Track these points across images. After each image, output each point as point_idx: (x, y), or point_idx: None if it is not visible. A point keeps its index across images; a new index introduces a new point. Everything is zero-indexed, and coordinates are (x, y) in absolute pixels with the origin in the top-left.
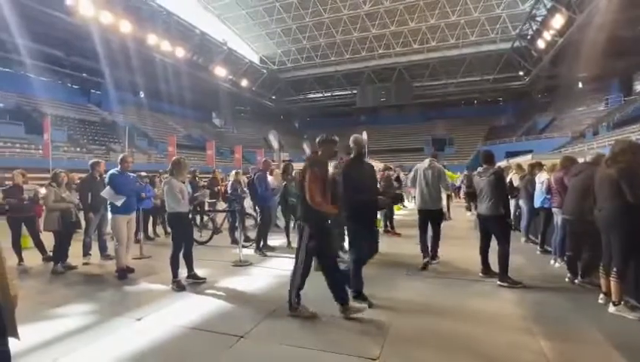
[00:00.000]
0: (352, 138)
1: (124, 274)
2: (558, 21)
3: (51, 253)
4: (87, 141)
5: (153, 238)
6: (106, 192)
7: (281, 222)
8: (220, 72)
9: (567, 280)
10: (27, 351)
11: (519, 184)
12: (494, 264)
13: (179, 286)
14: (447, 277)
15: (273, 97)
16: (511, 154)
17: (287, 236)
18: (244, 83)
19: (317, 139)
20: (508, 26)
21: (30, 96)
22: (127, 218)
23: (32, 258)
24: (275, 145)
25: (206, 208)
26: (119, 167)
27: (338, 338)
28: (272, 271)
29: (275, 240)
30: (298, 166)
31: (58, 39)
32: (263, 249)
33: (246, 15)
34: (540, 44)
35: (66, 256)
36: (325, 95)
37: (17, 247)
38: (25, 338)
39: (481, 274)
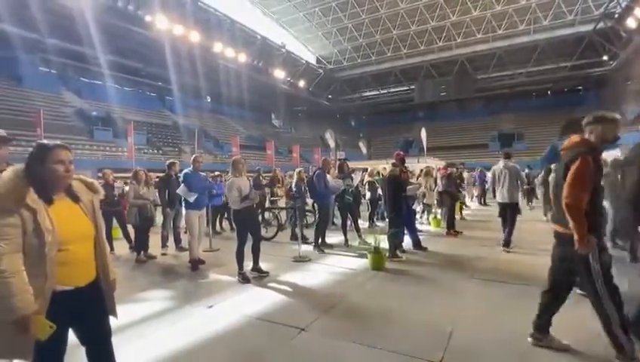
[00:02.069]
0: None
1: (196, 265)
2: None
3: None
4: (162, 143)
5: (220, 233)
6: (181, 189)
7: (338, 220)
8: (279, 74)
9: None
10: (119, 328)
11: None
12: None
13: (244, 278)
14: (519, 283)
15: (329, 97)
16: None
17: (345, 234)
18: (301, 83)
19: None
20: (590, 5)
21: (116, 104)
22: (199, 213)
23: (121, 247)
24: (332, 144)
25: (266, 205)
26: (192, 166)
27: (398, 338)
28: (330, 268)
29: (332, 237)
30: (354, 165)
31: (139, 52)
32: (321, 246)
33: (303, 17)
34: (630, 22)
35: (147, 247)
36: (381, 92)
37: (109, 238)
38: (118, 317)
39: None
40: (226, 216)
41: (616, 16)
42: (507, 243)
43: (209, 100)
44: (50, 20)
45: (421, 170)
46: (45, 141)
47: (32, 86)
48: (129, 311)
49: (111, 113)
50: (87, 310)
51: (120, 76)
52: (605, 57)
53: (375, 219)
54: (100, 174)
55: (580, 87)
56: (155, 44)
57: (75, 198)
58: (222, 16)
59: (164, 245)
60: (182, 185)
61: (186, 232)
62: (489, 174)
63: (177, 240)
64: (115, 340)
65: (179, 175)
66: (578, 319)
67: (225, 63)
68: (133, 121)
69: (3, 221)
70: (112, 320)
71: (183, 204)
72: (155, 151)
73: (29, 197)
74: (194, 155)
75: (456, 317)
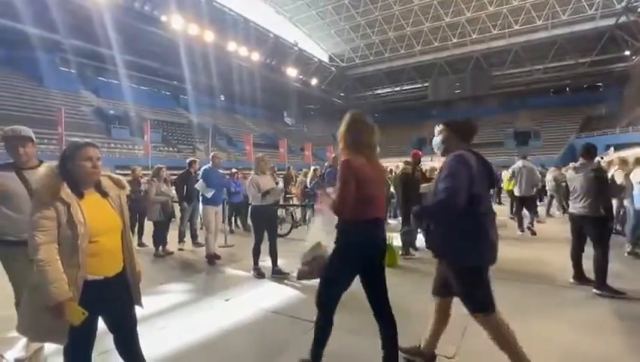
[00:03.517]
0: None
1: (212, 259)
2: None
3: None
4: (177, 141)
5: (233, 231)
6: (199, 185)
7: None
8: (291, 72)
9: None
10: (142, 319)
11: (623, 182)
12: (588, 271)
13: (259, 274)
14: (534, 283)
15: (342, 94)
16: (614, 148)
17: None
18: (314, 81)
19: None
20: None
21: (132, 103)
22: (215, 209)
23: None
24: None
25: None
26: (210, 163)
27: (412, 334)
28: None
29: None
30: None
31: (154, 52)
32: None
33: (315, 15)
34: None
35: (166, 242)
36: (395, 90)
37: (140, 232)
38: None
39: (572, 281)
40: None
41: None
42: (530, 224)
43: (223, 99)
44: (69, 21)
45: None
46: (76, 140)
47: (52, 85)
48: (150, 303)
49: (128, 112)
50: (116, 299)
51: (136, 75)
52: (627, 52)
53: (388, 217)
54: (128, 171)
55: (599, 84)
56: (170, 44)
57: (104, 193)
58: (236, 15)
59: (180, 240)
60: (200, 180)
61: (202, 228)
62: (504, 173)
63: (194, 236)
64: (138, 330)
65: (198, 173)
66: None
67: (238, 62)
68: (149, 119)
69: (40, 213)
70: (137, 309)
71: (201, 200)
72: (171, 148)
73: (63, 191)
74: (212, 153)
75: (469, 315)
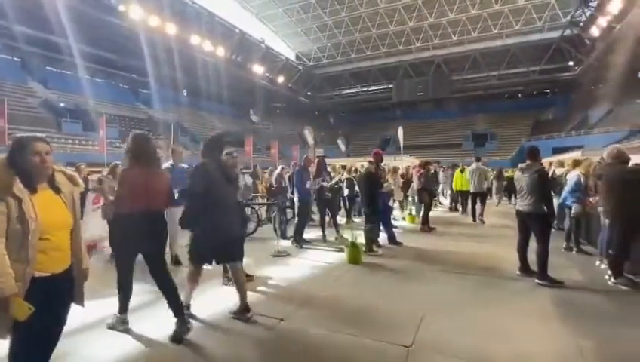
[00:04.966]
0: None
1: (178, 260)
2: (615, 5)
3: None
4: None
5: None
6: None
7: (316, 216)
8: (258, 69)
9: (610, 282)
10: (95, 323)
11: (562, 179)
12: (533, 263)
13: (230, 280)
14: (485, 275)
15: (308, 93)
16: (559, 151)
17: (323, 230)
18: (280, 80)
19: None
20: (558, 13)
21: (87, 96)
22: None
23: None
24: (310, 140)
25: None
26: (170, 159)
27: (372, 326)
28: (308, 263)
29: (310, 233)
30: (333, 161)
31: (112, 43)
32: (300, 241)
33: (282, 12)
34: (594, 31)
35: None
36: (361, 90)
37: None
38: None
39: (518, 273)
40: None
41: (581, 24)
42: (480, 215)
43: (186, 94)
44: (15, 5)
45: (388, 169)
46: (22, 134)
47: None
48: (102, 305)
49: (81, 105)
50: (58, 296)
51: (91, 67)
52: (571, 63)
53: (353, 215)
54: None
55: (547, 91)
56: (129, 35)
57: (57, 189)
58: (199, 8)
59: None
60: None
61: None
62: (457, 172)
63: None
64: (88, 335)
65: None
66: None
67: (203, 57)
68: (105, 113)
69: None
70: (77, 309)
71: None
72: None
73: (16, 186)
74: (172, 147)
75: (427, 306)
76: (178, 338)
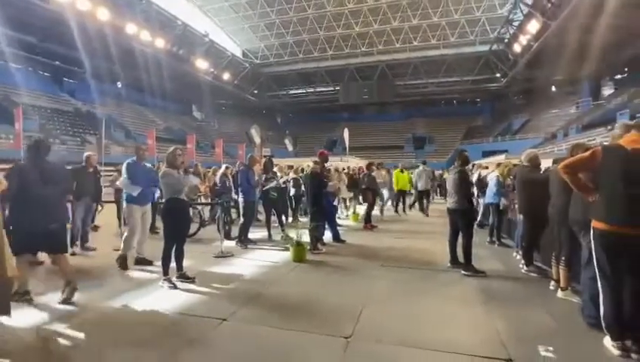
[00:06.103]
0: None
1: (125, 263)
2: (533, 26)
3: None
4: (61, 131)
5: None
6: (122, 182)
7: (262, 216)
8: (201, 64)
9: (523, 270)
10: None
11: (485, 180)
12: (461, 256)
13: (171, 284)
14: (420, 268)
15: (255, 92)
16: (487, 154)
17: (268, 229)
18: (226, 76)
19: None
20: (487, 29)
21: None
22: (143, 209)
23: None
24: (257, 140)
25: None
26: (135, 156)
27: (315, 320)
28: (253, 262)
29: (255, 233)
30: (280, 161)
31: (31, 25)
32: (245, 241)
33: (228, 7)
34: (517, 47)
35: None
36: (308, 91)
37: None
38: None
39: (449, 265)
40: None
41: (506, 41)
42: (426, 210)
43: (120, 86)
44: None
45: (330, 169)
46: None
47: None
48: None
49: None
50: None
51: (6, 50)
52: (498, 75)
53: (299, 215)
54: None
55: (478, 100)
56: (52, 16)
57: None
58: None
59: (72, 243)
60: (123, 177)
61: (120, 227)
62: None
63: (84, 239)
64: None
65: (97, 168)
66: None
67: (140, 47)
68: (22, 104)
69: None
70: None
71: (124, 196)
72: (51, 140)
73: None
74: (136, 144)
75: (366, 299)
76: None
